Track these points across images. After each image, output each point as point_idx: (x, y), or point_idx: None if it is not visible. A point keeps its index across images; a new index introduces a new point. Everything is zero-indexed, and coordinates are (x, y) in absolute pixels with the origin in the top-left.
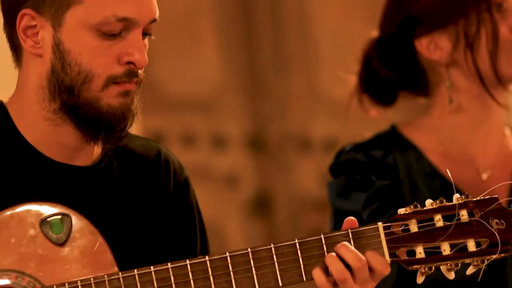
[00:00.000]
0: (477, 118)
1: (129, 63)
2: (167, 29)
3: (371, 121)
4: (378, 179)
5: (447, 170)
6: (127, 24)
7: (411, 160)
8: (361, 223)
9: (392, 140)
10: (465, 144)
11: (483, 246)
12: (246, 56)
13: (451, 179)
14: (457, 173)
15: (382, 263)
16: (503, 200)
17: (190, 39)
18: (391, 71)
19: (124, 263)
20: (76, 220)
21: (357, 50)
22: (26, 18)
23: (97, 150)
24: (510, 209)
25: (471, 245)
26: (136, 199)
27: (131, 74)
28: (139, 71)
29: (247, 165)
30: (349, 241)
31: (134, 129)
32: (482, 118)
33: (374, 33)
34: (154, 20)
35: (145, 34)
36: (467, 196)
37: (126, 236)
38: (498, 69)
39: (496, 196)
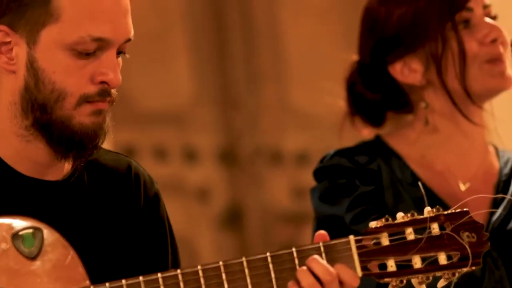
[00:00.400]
0: (454, 137)
1: (102, 82)
2: (139, 43)
3: (343, 134)
4: (362, 184)
5: (419, 183)
6: (102, 44)
7: (394, 168)
8: (344, 227)
9: (377, 148)
10: (444, 158)
11: (454, 259)
12: (218, 70)
13: (423, 192)
14: (439, 184)
15: (351, 275)
16: (479, 212)
17: (163, 53)
18: (375, 93)
19: (96, 277)
20: (48, 234)
21: (327, 64)
22: (0, 34)
23: (68, 165)
24: (480, 222)
25: (442, 258)
26: (107, 213)
27: (104, 93)
28: (112, 90)
29: (219, 178)
30: (321, 255)
31: (107, 143)
32: (459, 137)
33: (355, 57)
34: (129, 40)
35: (119, 52)
36: (438, 209)
37: (98, 249)
38: (468, 86)
39: (467, 209)
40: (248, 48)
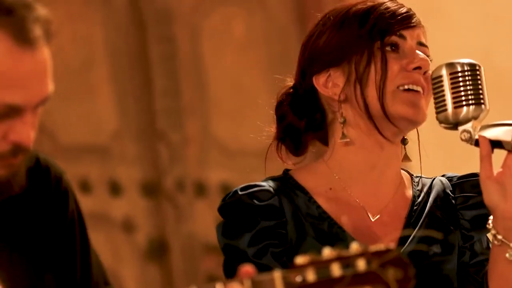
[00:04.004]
0: (368, 157)
1: (15, 141)
2: (62, 75)
3: (265, 167)
4: (263, 219)
5: (341, 218)
6: (14, 109)
7: (299, 203)
8: (249, 261)
9: (282, 183)
10: (354, 190)
11: None
12: (141, 103)
13: (345, 227)
14: (347, 218)
15: None
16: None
17: (86, 85)
18: (299, 117)
19: None
20: None
21: (251, 96)
22: None
23: None
24: (406, 259)
25: None
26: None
27: (16, 151)
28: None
29: (143, 211)
30: None
31: None
32: (374, 158)
33: (289, 81)
34: (47, 99)
35: (37, 105)
36: (365, 246)
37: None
38: (386, 106)
39: (393, 246)
40: (172, 81)
